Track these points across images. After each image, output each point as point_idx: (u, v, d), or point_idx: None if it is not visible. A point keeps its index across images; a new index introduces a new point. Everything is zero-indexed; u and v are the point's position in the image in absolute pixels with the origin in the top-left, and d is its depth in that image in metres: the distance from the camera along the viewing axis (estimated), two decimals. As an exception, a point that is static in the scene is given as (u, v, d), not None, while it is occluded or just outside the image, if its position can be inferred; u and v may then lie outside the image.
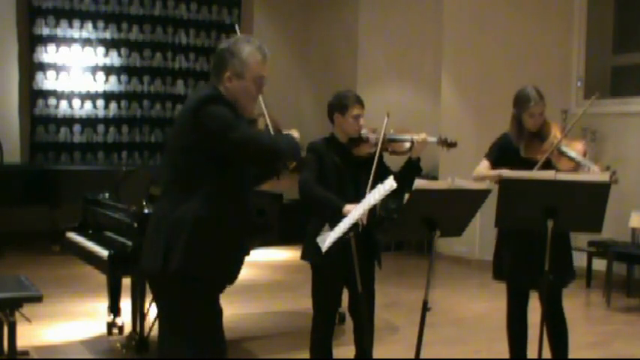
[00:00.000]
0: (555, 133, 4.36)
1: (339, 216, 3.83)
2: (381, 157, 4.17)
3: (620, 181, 4.17)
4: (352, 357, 4.32)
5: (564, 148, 4.28)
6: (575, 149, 4.29)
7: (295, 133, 3.32)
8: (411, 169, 4.14)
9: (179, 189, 3.02)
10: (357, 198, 3.84)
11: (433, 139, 4.20)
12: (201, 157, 2.96)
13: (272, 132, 3.26)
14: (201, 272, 2.99)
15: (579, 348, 4.81)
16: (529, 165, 4.25)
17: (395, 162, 4.23)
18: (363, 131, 4.18)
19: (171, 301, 3.04)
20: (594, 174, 3.98)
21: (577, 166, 4.20)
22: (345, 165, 4.12)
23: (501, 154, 4.45)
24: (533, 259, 4.22)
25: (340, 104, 4.17)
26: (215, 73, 3.09)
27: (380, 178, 3.76)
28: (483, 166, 4.45)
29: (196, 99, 3.03)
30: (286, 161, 3.17)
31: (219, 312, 3.13)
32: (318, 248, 3.78)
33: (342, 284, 4.22)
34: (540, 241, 3.93)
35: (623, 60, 8.87)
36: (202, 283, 3.01)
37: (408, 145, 4.16)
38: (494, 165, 4.44)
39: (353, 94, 4.22)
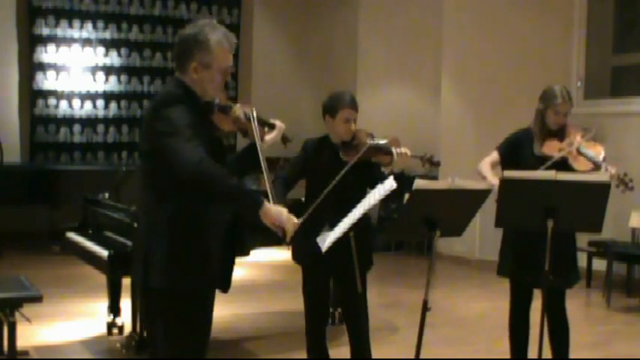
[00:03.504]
0: (575, 135, 4.36)
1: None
2: (371, 164, 4.11)
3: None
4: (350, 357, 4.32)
5: (584, 149, 4.28)
6: (596, 151, 4.30)
7: (278, 124, 3.27)
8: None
9: (150, 195, 2.95)
10: (344, 201, 3.81)
11: (415, 155, 4.11)
12: (163, 160, 2.83)
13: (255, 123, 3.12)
14: (181, 284, 2.91)
15: (579, 348, 4.81)
16: (542, 162, 4.24)
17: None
18: (360, 134, 4.12)
19: (158, 312, 2.99)
20: (599, 174, 3.98)
21: (595, 168, 4.21)
22: (332, 166, 4.02)
23: (512, 149, 4.45)
24: (537, 258, 4.21)
25: (331, 106, 4.08)
26: (180, 62, 2.97)
27: (371, 183, 3.76)
28: (489, 160, 4.47)
29: (157, 99, 2.95)
30: (225, 203, 2.91)
31: (204, 322, 3.04)
32: (305, 248, 3.79)
33: (328, 283, 4.22)
34: (544, 241, 3.90)
35: (623, 60, 8.87)
36: (184, 294, 2.92)
37: (389, 158, 4.11)
38: (503, 158, 4.45)
39: (347, 97, 4.10)
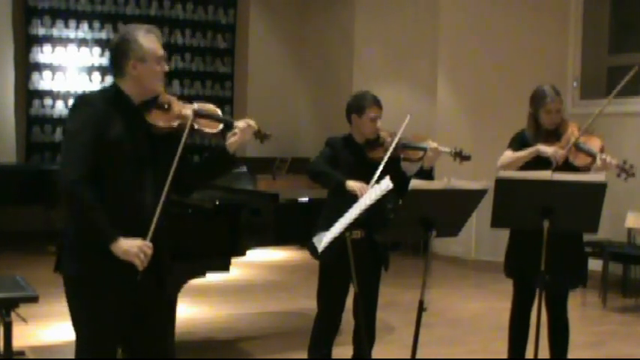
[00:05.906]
0: (573, 130, 4.29)
1: (342, 191, 3.88)
2: (397, 161, 4.15)
3: (617, 182, 4.16)
4: (350, 357, 4.31)
5: (581, 144, 4.21)
6: (592, 144, 4.24)
7: (242, 123, 3.14)
8: (421, 179, 4.02)
9: None
10: None
11: (446, 150, 4.12)
12: None
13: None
14: (83, 274, 2.98)
15: (575, 348, 4.82)
16: (545, 164, 4.16)
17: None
18: (382, 133, 4.16)
19: (69, 303, 3.05)
20: (595, 174, 3.95)
21: (593, 161, 4.15)
22: (359, 165, 4.09)
23: (522, 148, 4.35)
24: (541, 258, 4.17)
25: (358, 105, 4.15)
26: (117, 67, 3.08)
27: (397, 180, 3.73)
28: (510, 153, 4.36)
29: (76, 98, 3.11)
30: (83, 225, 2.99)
31: (115, 318, 3.03)
32: (329, 248, 3.74)
33: (348, 286, 4.20)
34: (550, 241, 3.86)
35: (619, 60, 8.88)
36: (90, 284, 2.98)
37: (420, 153, 4.13)
38: None
39: (371, 96, 4.19)
